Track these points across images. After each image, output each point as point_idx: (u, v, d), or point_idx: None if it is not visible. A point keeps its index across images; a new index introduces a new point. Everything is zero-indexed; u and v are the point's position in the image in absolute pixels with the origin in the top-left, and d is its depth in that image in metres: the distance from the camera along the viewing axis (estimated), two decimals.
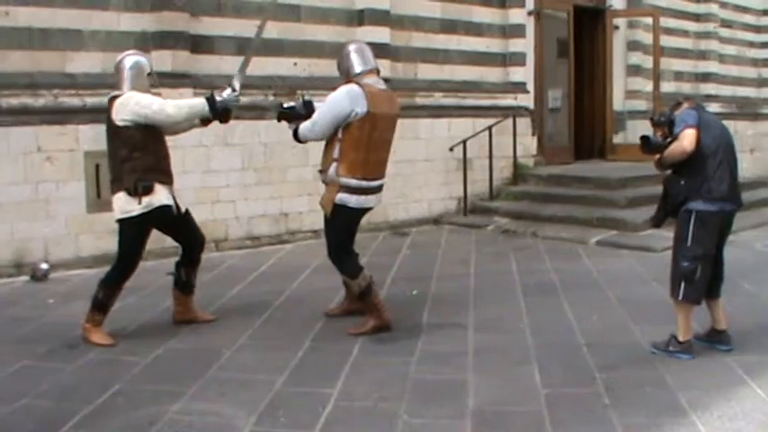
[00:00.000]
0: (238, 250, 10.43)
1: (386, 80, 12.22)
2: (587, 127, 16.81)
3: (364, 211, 6.95)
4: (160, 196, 6.59)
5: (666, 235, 10.74)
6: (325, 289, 8.16)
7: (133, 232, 6.63)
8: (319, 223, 9.23)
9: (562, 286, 8.50)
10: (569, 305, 7.68)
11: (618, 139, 16.82)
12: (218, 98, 6.65)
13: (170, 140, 10.25)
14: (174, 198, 6.78)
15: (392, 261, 9.95)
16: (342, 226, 6.86)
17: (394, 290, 8.44)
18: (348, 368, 5.94)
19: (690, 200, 6.03)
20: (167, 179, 6.76)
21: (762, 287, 8.27)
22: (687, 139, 5.90)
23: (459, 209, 13.34)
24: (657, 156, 6.18)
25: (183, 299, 7.19)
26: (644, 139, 6.20)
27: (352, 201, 6.74)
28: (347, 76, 6.85)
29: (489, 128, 13.21)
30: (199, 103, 6.71)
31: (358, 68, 6.81)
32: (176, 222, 6.88)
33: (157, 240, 9.94)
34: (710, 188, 6.00)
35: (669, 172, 6.23)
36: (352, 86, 6.67)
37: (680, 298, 6.07)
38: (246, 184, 10.86)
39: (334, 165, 6.68)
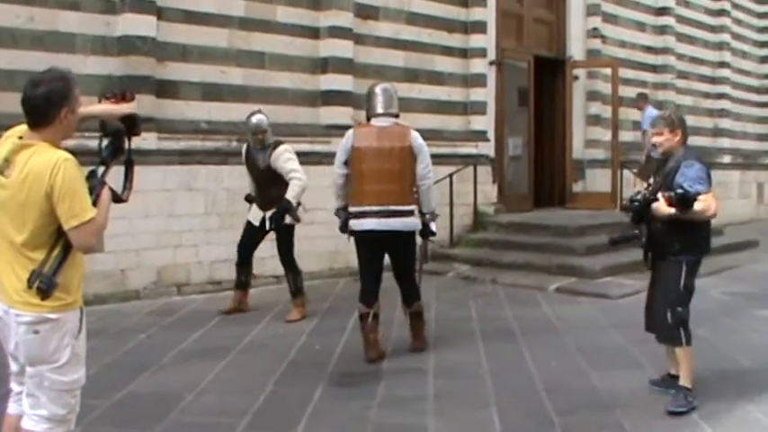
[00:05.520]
0: (200, 294, 10.42)
1: (347, 127, 12.43)
2: (547, 175, 17.01)
3: None
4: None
5: (623, 282, 10.96)
6: (287, 334, 8.20)
7: None
8: (280, 269, 9.27)
9: (521, 332, 8.57)
10: (528, 351, 7.76)
11: (577, 187, 17.01)
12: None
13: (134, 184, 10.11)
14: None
15: (351, 307, 9.89)
16: None
17: (355, 335, 8.42)
18: (310, 412, 5.97)
19: (685, 251, 6.05)
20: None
21: (718, 334, 8.37)
22: (715, 207, 5.87)
23: (419, 256, 13.32)
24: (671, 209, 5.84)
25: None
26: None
27: None
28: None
29: (450, 175, 13.32)
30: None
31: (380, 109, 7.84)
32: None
33: (118, 284, 9.95)
34: (708, 242, 6.20)
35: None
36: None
37: (685, 343, 6.10)
38: (209, 228, 10.86)
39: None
